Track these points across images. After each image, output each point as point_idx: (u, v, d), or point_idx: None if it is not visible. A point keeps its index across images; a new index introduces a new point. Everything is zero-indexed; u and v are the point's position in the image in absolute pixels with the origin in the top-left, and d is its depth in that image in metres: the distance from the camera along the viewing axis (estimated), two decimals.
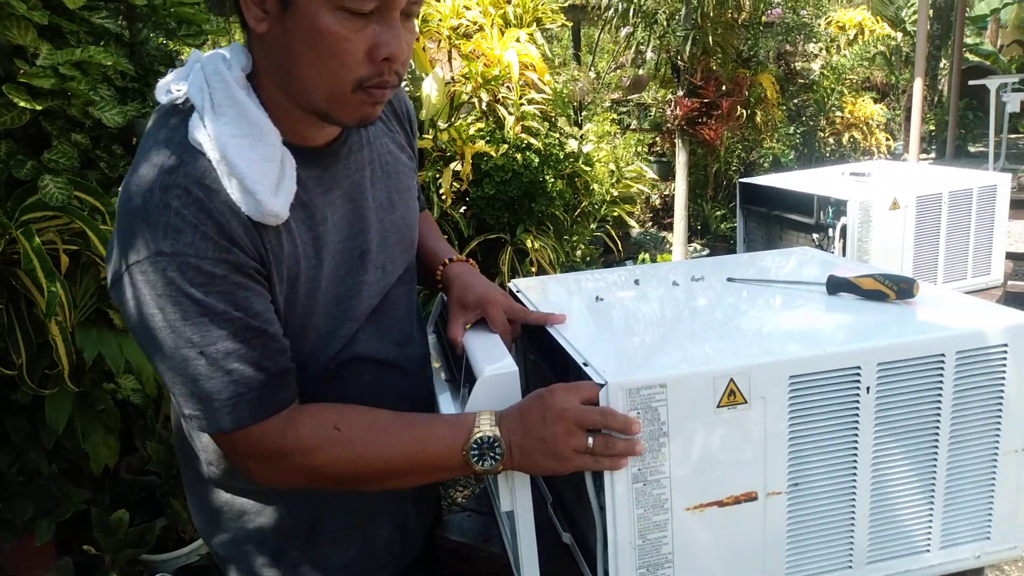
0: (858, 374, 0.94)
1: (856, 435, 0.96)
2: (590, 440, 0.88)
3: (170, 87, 0.93)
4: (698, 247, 6.20)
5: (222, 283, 0.86)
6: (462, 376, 1.05)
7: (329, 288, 0.99)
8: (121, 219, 0.87)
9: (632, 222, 5.28)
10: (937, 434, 0.99)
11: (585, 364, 0.94)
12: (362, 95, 0.90)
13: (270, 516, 1.06)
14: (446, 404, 1.04)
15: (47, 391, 1.88)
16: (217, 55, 0.94)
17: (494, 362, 0.96)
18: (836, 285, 1.15)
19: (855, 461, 0.96)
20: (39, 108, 1.75)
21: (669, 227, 6.23)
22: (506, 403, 0.93)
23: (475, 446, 0.89)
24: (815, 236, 2.16)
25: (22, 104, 1.72)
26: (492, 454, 0.89)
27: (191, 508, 1.14)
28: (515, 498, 0.94)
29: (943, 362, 0.96)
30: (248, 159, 0.87)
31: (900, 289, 1.10)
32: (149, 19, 2.14)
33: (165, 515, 2.34)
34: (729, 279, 1.28)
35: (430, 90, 3.56)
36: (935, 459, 0.99)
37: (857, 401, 0.95)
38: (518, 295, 1.28)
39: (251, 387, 0.88)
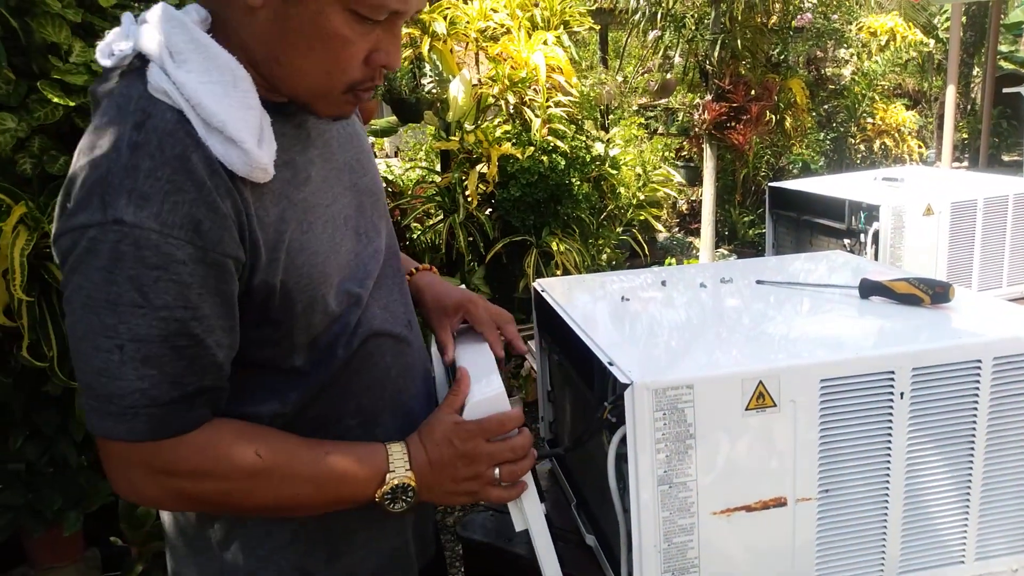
0: (892, 379, 0.92)
1: (889, 442, 0.93)
2: (496, 472, 0.90)
3: (112, 48, 0.81)
4: (725, 253, 6.15)
5: (179, 271, 0.75)
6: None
7: (330, 259, 0.90)
8: (74, 182, 0.76)
9: (659, 226, 5.25)
10: (973, 442, 0.96)
11: (610, 364, 0.93)
12: (349, 96, 0.85)
13: (285, 538, 0.96)
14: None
15: (77, 383, 1.90)
16: (163, 5, 0.83)
17: (480, 385, 0.94)
18: (869, 289, 1.13)
19: (888, 468, 0.94)
20: (72, 104, 1.78)
21: (696, 232, 6.18)
22: None
23: (388, 493, 0.87)
24: (846, 241, 2.13)
25: (56, 100, 1.75)
26: (405, 498, 0.88)
27: (173, 550, 1.00)
28: (526, 517, 0.93)
29: (980, 368, 0.94)
30: (225, 106, 0.77)
31: (935, 293, 1.08)
32: None
33: None
34: (758, 282, 1.26)
35: (457, 92, 3.57)
36: (970, 468, 0.97)
37: (891, 407, 0.92)
38: (543, 294, 1.27)
39: (158, 401, 0.78)
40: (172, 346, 0.77)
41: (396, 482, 0.87)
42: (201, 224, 0.76)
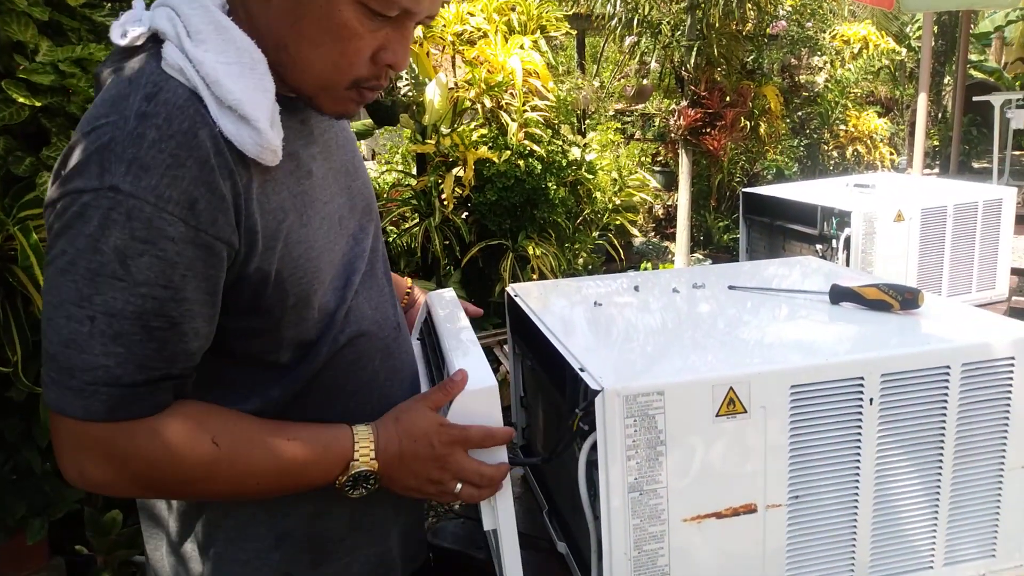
0: (861, 385, 0.92)
1: (859, 447, 0.94)
2: (458, 487, 0.90)
3: (125, 28, 0.81)
4: (700, 257, 6.18)
5: (166, 248, 0.74)
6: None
7: (324, 256, 0.89)
8: (73, 148, 0.76)
9: (635, 231, 5.26)
10: (942, 448, 0.96)
11: (582, 370, 0.92)
12: (353, 93, 0.86)
13: (269, 543, 0.94)
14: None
15: (42, 389, 1.86)
16: None
17: (473, 375, 0.91)
18: (839, 295, 1.13)
19: (857, 474, 0.94)
20: (38, 104, 1.74)
21: (672, 237, 6.21)
22: (485, 419, 0.90)
23: (350, 481, 0.87)
24: (818, 247, 2.14)
25: (21, 100, 1.71)
26: (366, 485, 0.88)
27: (153, 551, 0.98)
28: (497, 516, 0.91)
29: (948, 374, 0.95)
30: (242, 86, 0.77)
31: (904, 299, 1.09)
32: None
33: None
34: (731, 287, 1.26)
35: (433, 95, 3.55)
36: (939, 473, 0.97)
37: (860, 413, 0.93)
38: (516, 299, 1.26)
39: (121, 382, 0.76)
40: (144, 325, 0.75)
41: (358, 470, 0.86)
42: (197, 203, 0.75)
